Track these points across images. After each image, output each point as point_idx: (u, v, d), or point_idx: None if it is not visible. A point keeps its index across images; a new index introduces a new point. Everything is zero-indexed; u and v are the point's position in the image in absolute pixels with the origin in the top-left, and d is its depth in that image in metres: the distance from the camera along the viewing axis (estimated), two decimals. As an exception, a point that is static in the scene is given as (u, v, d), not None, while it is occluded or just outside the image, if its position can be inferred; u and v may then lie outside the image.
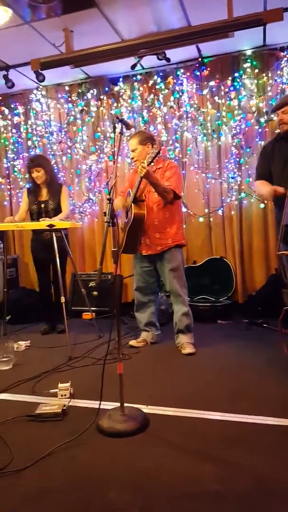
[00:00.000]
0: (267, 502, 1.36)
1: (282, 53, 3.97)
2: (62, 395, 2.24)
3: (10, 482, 1.52)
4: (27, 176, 3.91)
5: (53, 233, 3.26)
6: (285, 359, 2.68)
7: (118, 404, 1.93)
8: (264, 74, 4.03)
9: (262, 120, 4.08)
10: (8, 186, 5.01)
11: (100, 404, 1.96)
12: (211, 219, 4.35)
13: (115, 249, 1.94)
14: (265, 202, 4.12)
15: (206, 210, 4.34)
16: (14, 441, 1.80)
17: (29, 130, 4.83)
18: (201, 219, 4.35)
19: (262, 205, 4.13)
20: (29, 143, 4.85)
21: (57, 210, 3.54)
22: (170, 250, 3.01)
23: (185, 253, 4.39)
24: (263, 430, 1.83)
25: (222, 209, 4.29)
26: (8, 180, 5.00)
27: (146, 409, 2.05)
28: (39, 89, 4.71)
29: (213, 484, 1.46)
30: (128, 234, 2.98)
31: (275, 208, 3.02)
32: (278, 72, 3.99)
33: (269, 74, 4.02)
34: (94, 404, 2.07)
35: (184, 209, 4.36)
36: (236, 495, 1.40)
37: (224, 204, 4.28)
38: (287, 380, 2.37)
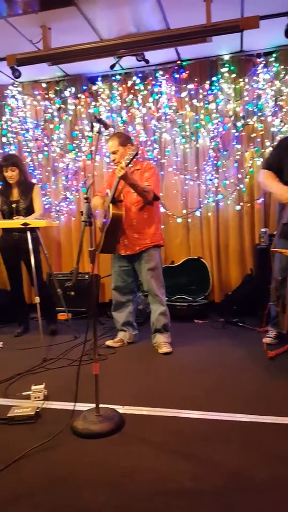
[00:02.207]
0: (241, 497, 1.38)
1: (258, 59, 4.05)
2: (35, 397, 2.20)
3: (-19, 487, 1.48)
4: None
5: (27, 233, 3.21)
6: (259, 357, 2.74)
7: (93, 405, 1.91)
8: (241, 79, 4.10)
9: (238, 124, 4.15)
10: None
11: (75, 406, 1.93)
12: (189, 220, 4.39)
13: (92, 249, 1.92)
14: (241, 204, 4.19)
15: (184, 211, 4.37)
16: (-15, 444, 1.75)
17: (4, 127, 4.73)
18: (179, 220, 4.38)
19: (238, 207, 4.20)
20: (4, 139, 4.75)
21: (29, 210, 3.47)
22: (148, 250, 3.02)
23: (163, 253, 4.40)
24: (238, 426, 1.86)
25: (199, 210, 4.33)
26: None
27: (122, 409, 2.04)
28: (15, 85, 4.62)
29: (188, 481, 1.46)
30: (107, 234, 2.97)
31: (278, 204, 3.02)
32: (255, 77, 4.07)
33: (246, 80, 4.10)
34: (69, 405, 2.04)
35: (162, 210, 4.39)
36: (210, 492, 1.41)
37: (201, 206, 4.32)
38: (261, 377, 2.42)
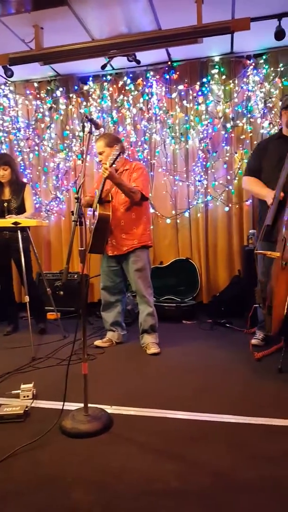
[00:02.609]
0: (226, 497, 1.41)
1: (248, 61, 4.09)
2: (24, 396, 2.21)
3: None
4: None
5: (18, 232, 3.21)
6: (247, 358, 2.78)
7: (82, 405, 1.93)
8: (231, 81, 4.14)
9: (228, 125, 4.19)
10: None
11: (63, 405, 1.95)
12: (178, 221, 4.42)
13: (82, 249, 1.93)
14: (230, 205, 4.23)
15: (173, 212, 4.40)
16: (-27, 444, 1.76)
17: (-4, 126, 4.72)
18: (168, 221, 4.41)
19: (226, 208, 4.25)
20: (-5, 138, 4.73)
21: (20, 209, 3.48)
22: (135, 251, 3.03)
23: (152, 254, 4.44)
24: (225, 427, 1.89)
25: (188, 211, 4.36)
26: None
27: (110, 409, 2.06)
28: (7, 84, 4.60)
29: (174, 481, 1.49)
30: (94, 234, 2.98)
31: (259, 207, 3.06)
32: (244, 79, 4.11)
33: (236, 81, 4.13)
34: (57, 405, 2.05)
35: (151, 210, 4.41)
36: (196, 492, 1.44)
37: (190, 207, 4.36)
38: (248, 379, 2.45)
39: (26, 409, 2.03)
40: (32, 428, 1.89)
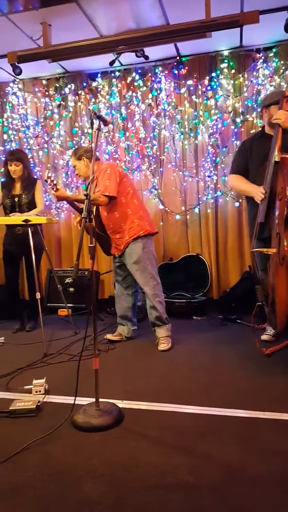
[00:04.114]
0: (237, 491, 1.41)
1: (258, 55, 4.04)
2: (36, 391, 2.24)
3: (-17, 478, 1.51)
4: (1, 170, 3.85)
5: (28, 228, 3.24)
6: (257, 353, 2.77)
7: (93, 399, 1.95)
8: (240, 75, 4.10)
9: (238, 120, 4.15)
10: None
11: (75, 400, 1.97)
12: (188, 217, 4.40)
13: (92, 245, 1.95)
14: (240, 200, 4.20)
15: (183, 208, 4.39)
16: (-13, 437, 1.79)
17: (5, 124, 4.75)
18: (177, 217, 4.40)
19: (237, 204, 4.22)
20: (5, 136, 4.76)
21: (31, 204, 3.52)
22: (129, 246, 3.06)
23: (162, 250, 4.44)
24: (235, 422, 1.89)
25: (198, 207, 4.35)
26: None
27: (121, 403, 2.07)
28: (16, 82, 4.63)
29: (186, 475, 1.50)
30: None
31: (248, 205, 3.07)
32: (254, 73, 4.06)
33: (245, 75, 4.09)
34: (69, 399, 2.08)
35: (161, 207, 4.41)
36: (207, 485, 1.44)
37: (200, 202, 4.34)
38: (258, 374, 2.45)
39: (38, 404, 2.05)
40: (44, 423, 1.92)
